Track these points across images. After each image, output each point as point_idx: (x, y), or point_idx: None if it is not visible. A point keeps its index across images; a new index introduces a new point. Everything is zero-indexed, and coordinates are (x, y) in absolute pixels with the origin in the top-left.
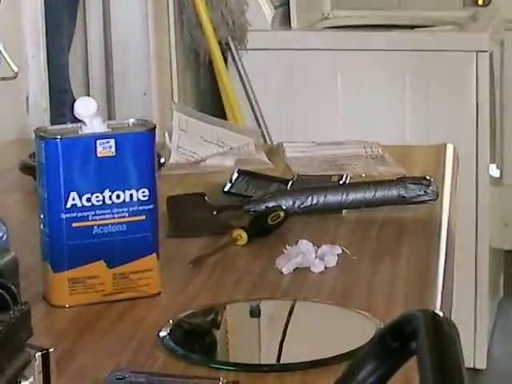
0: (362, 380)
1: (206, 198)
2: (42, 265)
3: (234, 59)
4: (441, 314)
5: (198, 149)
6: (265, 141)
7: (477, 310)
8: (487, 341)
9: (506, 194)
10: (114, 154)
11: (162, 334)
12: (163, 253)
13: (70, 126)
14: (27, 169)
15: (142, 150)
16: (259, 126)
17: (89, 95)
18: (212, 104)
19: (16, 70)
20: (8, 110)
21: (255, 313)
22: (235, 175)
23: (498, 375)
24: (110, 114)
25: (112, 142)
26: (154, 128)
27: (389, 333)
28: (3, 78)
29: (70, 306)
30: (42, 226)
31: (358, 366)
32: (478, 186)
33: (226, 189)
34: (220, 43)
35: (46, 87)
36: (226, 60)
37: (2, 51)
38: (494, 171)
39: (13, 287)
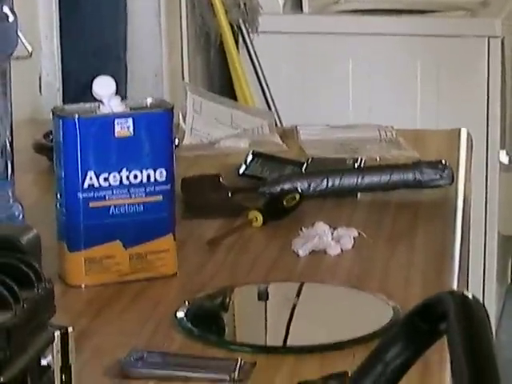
0: (390, 361)
1: (221, 179)
2: (58, 244)
3: (245, 42)
4: (470, 295)
5: (212, 130)
6: (276, 123)
7: (485, 296)
8: (495, 327)
9: None
10: (132, 133)
11: (179, 314)
12: (178, 234)
13: (87, 105)
14: (41, 148)
15: (159, 129)
16: (269, 109)
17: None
18: (222, 86)
19: (30, 49)
20: (21, 90)
21: (271, 295)
22: (250, 157)
23: (506, 360)
24: (121, 95)
25: (130, 121)
26: (172, 108)
27: (417, 314)
28: (17, 58)
29: (86, 286)
30: (58, 205)
31: (386, 347)
32: (487, 172)
33: (240, 171)
34: (231, 26)
35: (58, 67)
36: (237, 43)
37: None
38: (504, 158)
39: (36, 264)
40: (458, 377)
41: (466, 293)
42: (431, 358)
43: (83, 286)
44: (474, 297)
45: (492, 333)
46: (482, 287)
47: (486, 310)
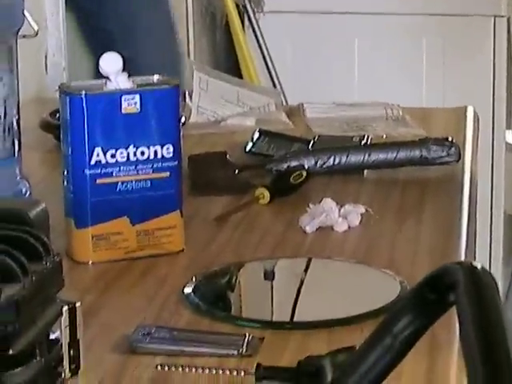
0: (399, 332)
1: (227, 156)
2: (65, 221)
3: (250, 22)
4: (479, 265)
5: (219, 108)
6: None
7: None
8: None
9: None
10: (139, 110)
11: (187, 290)
12: (185, 211)
13: (94, 82)
14: (48, 127)
15: (166, 106)
16: (275, 88)
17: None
18: (228, 66)
19: (36, 28)
20: (27, 69)
21: (278, 271)
22: (256, 135)
23: None
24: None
25: (137, 98)
26: (179, 85)
27: (426, 285)
28: (24, 36)
29: (93, 263)
30: (65, 182)
31: (394, 318)
32: (493, 152)
33: (247, 148)
34: (237, 6)
35: (64, 46)
36: (242, 23)
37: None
38: (510, 138)
39: (45, 237)
40: (468, 347)
41: (474, 263)
42: (439, 332)
43: (90, 262)
44: (482, 267)
45: (501, 302)
46: (489, 267)
47: (495, 280)
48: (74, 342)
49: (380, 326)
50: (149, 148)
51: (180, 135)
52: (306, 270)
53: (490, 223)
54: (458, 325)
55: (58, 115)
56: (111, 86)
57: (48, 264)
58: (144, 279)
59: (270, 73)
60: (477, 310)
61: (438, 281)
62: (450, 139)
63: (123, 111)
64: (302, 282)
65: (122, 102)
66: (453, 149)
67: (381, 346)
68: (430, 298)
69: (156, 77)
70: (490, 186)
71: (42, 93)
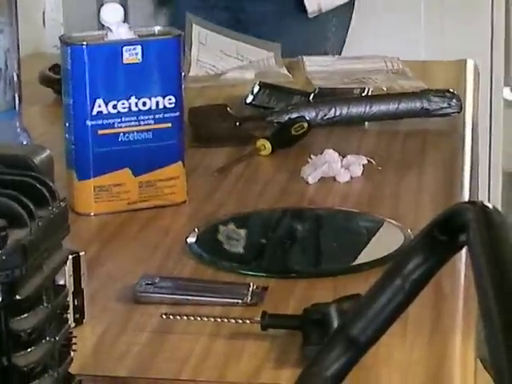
0: (409, 273)
1: (228, 109)
2: (67, 173)
3: None
4: (490, 205)
5: (218, 62)
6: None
7: None
8: None
9: None
10: (141, 60)
11: (190, 240)
12: (187, 163)
13: (95, 32)
14: (47, 81)
15: (168, 57)
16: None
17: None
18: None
19: None
20: (25, 24)
21: (281, 221)
22: (256, 88)
23: None
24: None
25: (138, 48)
26: (180, 35)
27: (436, 226)
28: None
29: (95, 214)
30: (66, 134)
31: (405, 259)
32: (491, 108)
33: (247, 100)
34: None
35: (62, 2)
36: None
37: None
38: (508, 94)
39: (51, 183)
40: (482, 287)
41: (485, 203)
42: (443, 282)
43: (92, 214)
44: (494, 207)
45: None
46: None
47: (506, 219)
48: (78, 292)
49: (390, 268)
50: (150, 99)
51: (182, 86)
52: (309, 220)
53: (488, 180)
54: (463, 274)
55: (57, 69)
56: (112, 37)
57: (54, 209)
58: (147, 230)
59: None
60: (489, 250)
61: (449, 221)
62: (450, 90)
63: (125, 61)
64: (304, 231)
65: (124, 52)
66: (454, 100)
67: (390, 287)
68: (440, 238)
69: (157, 28)
70: (489, 142)
71: (41, 48)
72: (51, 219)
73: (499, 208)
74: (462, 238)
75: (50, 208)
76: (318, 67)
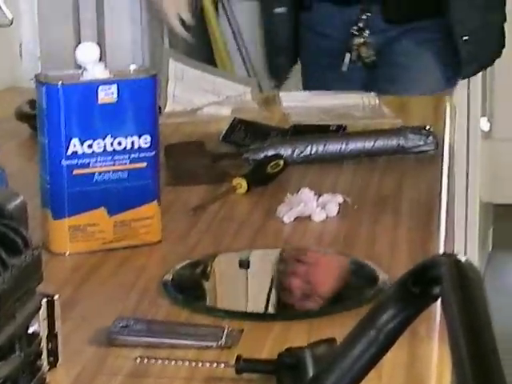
0: (383, 325)
1: (204, 146)
2: (42, 212)
3: (224, 9)
4: (464, 259)
5: (195, 97)
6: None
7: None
8: None
9: (496, 147)
10: (116, 100)
11: (165, 281)
12: (162, 201)
13: (71, 71)
14: (23, 117)
15: (143, 96)
16: (249, 76)
17: (80, 41)
18: (202, 53)
19: (11, 17)
20: (2, 58)
21: (256, 262)
22: (233, 124)
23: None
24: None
25: (114, 88)
26: (156, 74)
27: (410, 278)
28: None
29: (70, 254)
30: (42, 173)
31: (379, 311)
32: (469, 139)
33: (223, 137)
34: None
35: (39, 35)
36: (217, 9)
37: None
38: (485, 125)
39: (24, 231)
40: (455, 343)
41: (459, 256)
42: (419, 327)
43: (67, 253)
44: (467, 260)
45: (486, 295)
46: (464, 251)
47: (480, 273)
48: (52, 335)
49: (364, 319)
50: (126, 138)
51: (157, 125)
52: (284, 260)
53: (465, 211)
54: (438, 318)
55: (33, 104)
56: (88, 76)
57: (27, 258)
58: (122, 270)
59: (243, 59)
60: (462, 304)
61: (423, 274)
62: (427, 128)
63: (100, 101)
64: (280, 272)
65: (99, 92)
66: (430, 137)
67: (365, 339)
68: (414, 291)
69: (133, 66)
70: (466, 172)
71: (17, 82)
72: (24, 268)
73: (476, 237)
74: (436, 290)
75: (23, 256)
76: (294, 102)
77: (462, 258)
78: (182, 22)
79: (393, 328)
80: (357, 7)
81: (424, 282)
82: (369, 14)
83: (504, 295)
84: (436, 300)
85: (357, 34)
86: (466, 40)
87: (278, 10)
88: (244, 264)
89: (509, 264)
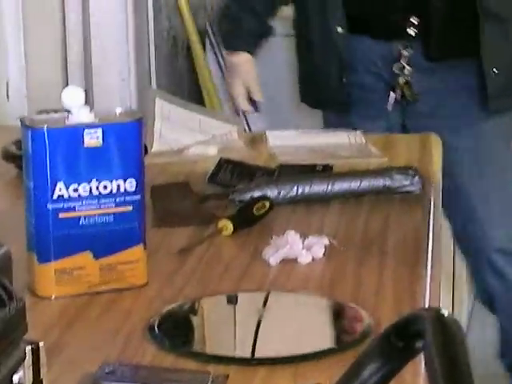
0: (366, 379)
1: (190, 187)
2: (28, 255)
3: (212, 45)
4: (446, 313)
5: (181, 137)
6: (244, 129)
7: (454, 297)
8: (465, 327)
9: None
10: (101, 144)
11: (151, 325)
12: (148, 243)
13: (56, 115)
14: (9, 157)
15: (129, 140)
16: (237, 113)
17: (67, 80)
18: (190, 90)
19: None
20: None
21: (242, 305)
22: (219, 164)
23: (476, 361)
24: (88, 99)
25: (99, 131)
26: (142, 118)
27: (393, 332)
28: None
29: (56, 297)
30: (27, 216)
31: (362, 364)
32: None
33: (210, 178)
34: (199, 29)
35: (26, 74)
36: (204, 46)
37: None
38: None
39: (7, 283)
40: None
41: (441, 310)
42: (405, 371)
43: (53, 297)
44: (449, 314)
45: (468, 351)
46: (452, 289)
47: (462, 329)
48: (37, 382)
49: (347, 373)
50: (111, 182)
51: (143, 169)
52: (269, 304)
53: (452, 252)
54: (423, 369)
55: (20, 144)
56: (73, 120)
57: (11, 310)
58: (108, 314)
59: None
60: (444, 359)
61: (405, 328)
62: (413, 168)
63: (85, 145)
64: (265, 316)
65: (85, 135)
66: (416, 178)
67: None
68: (397, 345)
69: (119, 110)
70: None
71: (3, 121)
72: (8, 320)
73: (464, 275)
74: (418, 344)
75: (7, 308)
76: (281, 142)
77: (445, 313)
78: (251, 101)
79: (376, 382)
80: (397, 43)
81: (407, 336)
82: (411, 51)
83: (492, 328)
84: (418, 354)
85: (398, 72)
86: (496, 74)
87: (339, 29)
88: (230, 308)
89: None
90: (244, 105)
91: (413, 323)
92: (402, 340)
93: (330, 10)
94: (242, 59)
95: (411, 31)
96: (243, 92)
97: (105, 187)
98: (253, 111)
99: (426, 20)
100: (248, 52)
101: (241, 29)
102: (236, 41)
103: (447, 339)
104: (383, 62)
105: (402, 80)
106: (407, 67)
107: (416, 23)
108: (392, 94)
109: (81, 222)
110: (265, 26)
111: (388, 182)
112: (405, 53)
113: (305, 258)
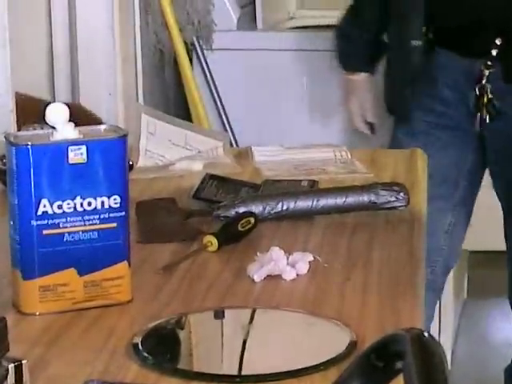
0: None
1: (175, 203)
2: (12, 272)
3: (199, 59)
4: (426, 333)
5: (167, 152)
6: (231, 143)
7: (441, 313)
8: (452, 343)
9: None
10: (86, 160)
11: (135, 342)
12: (133, 259)
13: (41, 132)
14: None
15: (113, 156)
16: (224, 126)
17: (54, 95)
18: (177, 104)
19: None
20: None
21: (226, 322)
22: (204, 180)
23: (462, 377)
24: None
25: (83, 148)
26: (126, 135)
27: (373, 352)
28: None
29: (40, 314)
30: (12, 232)
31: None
32: None
33: (195, 194)
34: (185, 43)
35: (11, 88)
36: (191, 60)
37: None
38: None
39: None
40: None
41: (422, 331)
42: None
43: (38, 313)
44: (430, 335)
45: (447, 371)
46: (439, 303)
47: (442, 349)
48: None
49: None
50: (96, 199)
51: (127, 185)
52: (253, 321)
53: None
54: None
55: (5, 160)
56: (58, 136)
57: None
58: (92, 331)
59: (218, 111)
60: (424, 380)
61: (386, 349)
62: (398, 184)
63: (70, 161)
64: (249, 333)
65: (69, 152)
66: (401, 193)
67: None
68: (377, 365)
69: (103, 126)
70: None
71: None
72: None
73: (450, 289)
74: (399, 365)
75: None
76: (266, 157)
77: (425, 334)
78: (368, 123)
79: None
80: (480, 61)
81: (387, 356)
82: (492, 71)
83: (478, 344)
84: (398, 374)
85: (477, 92)
86: None
87: (415, 42)
88: (214, 325)
89: (484, 311)
90: (360, 125)
91: (393, 343)
92: (382, 360)
93: (409, 21)
94: (360, 79)
95: (494, 51)
96: (359, 112)
97: (89, 204)
98: (368, 132)
99: (508, 41)
100: (367, 72)
101: (357, 48)
102: (352, 61)
103: (427, 360)
104: (465, 78)
105: (485, 99)
106: (488, 86)
107: (498, 43)
108: (478, 114)
109: (65, 239)
110: (379, 43)
111: (373, 198)
112: (486, 72)
113: (289, 275)
